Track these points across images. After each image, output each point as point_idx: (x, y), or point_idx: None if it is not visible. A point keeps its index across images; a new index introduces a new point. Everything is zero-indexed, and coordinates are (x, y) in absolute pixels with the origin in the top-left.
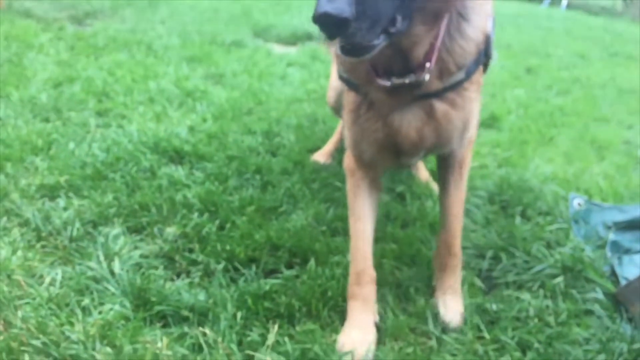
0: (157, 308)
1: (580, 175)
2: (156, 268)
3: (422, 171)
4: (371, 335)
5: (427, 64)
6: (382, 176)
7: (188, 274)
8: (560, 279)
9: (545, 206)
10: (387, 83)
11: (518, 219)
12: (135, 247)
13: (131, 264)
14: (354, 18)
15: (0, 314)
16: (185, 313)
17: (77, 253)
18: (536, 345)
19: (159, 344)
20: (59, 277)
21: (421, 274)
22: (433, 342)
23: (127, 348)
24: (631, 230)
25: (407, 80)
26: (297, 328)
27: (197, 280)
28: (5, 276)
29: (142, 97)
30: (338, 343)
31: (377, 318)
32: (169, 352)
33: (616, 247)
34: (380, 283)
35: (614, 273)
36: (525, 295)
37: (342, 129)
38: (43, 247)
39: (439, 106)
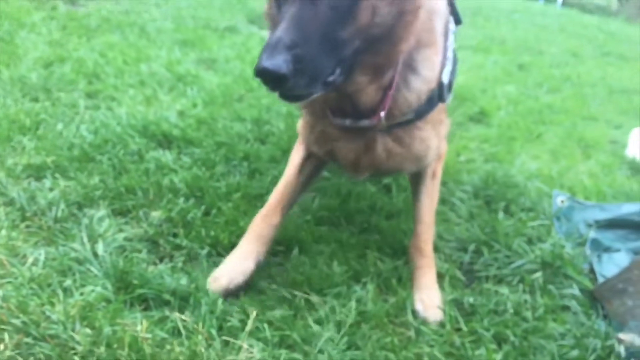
0: (139, 291)
1: (566, 172)
2: (140, 251)
3: None
4: (248, 265)
5: (382, 113)
6: None
7: (171, 258)
8: (539, 275)
9: (529, 202)
10: (345, 123)
11: (501, 214)
12: (120, 230)
13: (115, 247)
14: (291, 75)
15: None
16: (166, 297)
17: (61, 234)
18: (512, 338)
19: (139, 327)
20: (42, 258)
21: (404, 265)
22: (411, 333)
23: (106, 330)
24: (612, 229)
25: (360, 124)
26: (277, 315)
27: (180, 264)
28: None
29: (132, 79)
30: (215, 271)
31: (261, 259)
32: (148, 335)
33: (596, 245)
34: (363, 273)
35: (593, 270)
36: (504, 290)
37: None
38: (27, 227)
39: (380, 142)
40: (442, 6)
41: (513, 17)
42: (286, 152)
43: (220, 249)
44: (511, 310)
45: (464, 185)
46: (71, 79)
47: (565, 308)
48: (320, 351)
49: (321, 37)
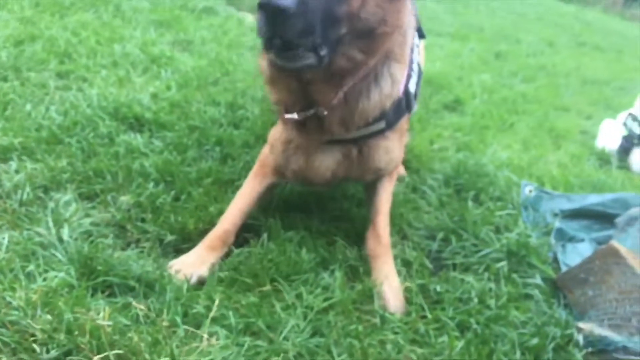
0: (103, 277)
1: (535, 162)
2: (106, 237)
3: None
4: (204, 269)
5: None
6: None
7: (138, 243)
8: (504, 263)
9: (498, 191)
10: (294, 116)
11: (470, 203)
12: (87, 215)
13: (81, 232)
14: (294, 11)
15: None
16: (131, 283)
17: (26, 218)
18: (475, 326)
19: (101, 314)
20: (5, 242)
21: None
22: (377, 320)
23: (68, 316)
24: (577, 219)
25: (308, 113)
26: (243, 301)
27: (146, 251)
28: None
29: (105, 60)
30: (172, 262)
31: (214, 268)
32: (109, 323)
33: (561, 234)
34: (331, 261)
35: (557, 260)
36: (470, 278)
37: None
38: None
39: (354, 151)
40: (412, 21)
41: (492, 5)
42: (260, 138)
43: (188, 235)
44: (475, 299)
45: (435, 173)
46: (42, 58)
47: (528, 296)
48: (285, 338)
49: (322, 4)
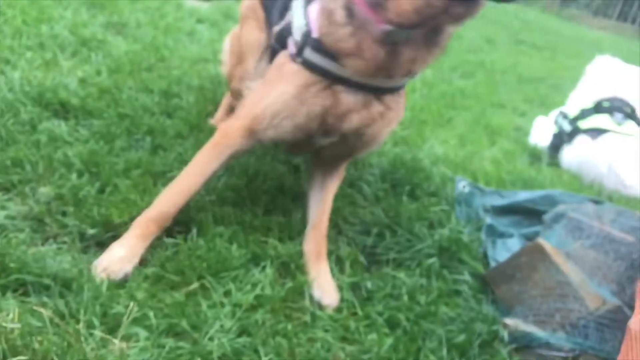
0: (16, 275)
1: (471, 158)
2: (22, 231)
3: None
4: (133, 261)
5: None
6: None
7: (57, 238)
8: (435, 260)
9: (434, 187)
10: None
11: (405, 198)
12: (2, 207)
13: None
14: None
15: None
16: (47, 282)
17: None
18: (404, 323)
19: (10, 315)
20: None
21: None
22: (307, 318)
23: None
24: (507, 215)
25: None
26: (167, 300)
27: (65, 246)
28: None
29: (31, 41)
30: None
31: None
32: (18, 325)
33: (492, 230)
34: (262, 257)
35: (487, 255)
36: (402, 274)
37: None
38: None
39: (378, 108)
40: None
41: None
42: (194, 128)
43: (112, 229)
44: (406, 295)
45: (372, 168)
46: None
47: (458, 292)
48: (210, 338)
49: None
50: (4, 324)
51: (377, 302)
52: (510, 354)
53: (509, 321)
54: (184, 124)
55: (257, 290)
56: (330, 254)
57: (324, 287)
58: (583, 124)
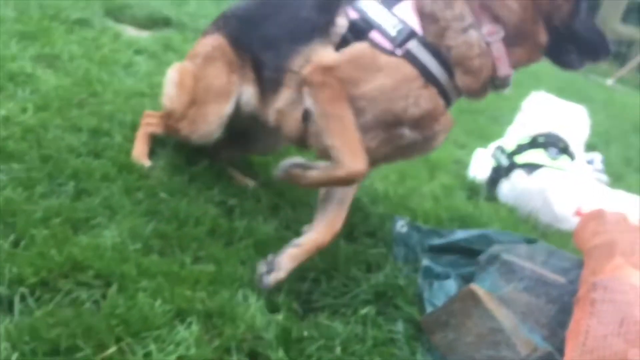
0: None
1: (410, 195)
2: None
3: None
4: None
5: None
6: None
7: None
8: (371, 307)
9: (372, 227)
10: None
11: (343, 241)
12: None
13: None
14: None
15: None
16: None
17: None
18: None
19: None
20: None
21: (235, 300)
22: None
23: None
24: (445, 254)
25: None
26: None
27: None
28: None
29: None
30: None
31: None
32: None
33: (428, 272)
34: (189, 311)
35: (424, 299)
36: (337, 322)
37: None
38: None
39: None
40: None
41: None
42: (122, 169)
43: (25, 287)
44: (339, 347)
45: (309, 207)
46: None
47: (393, 341)
48: None
49: None
50: None
51: (310, 354)
52: None
53: None
54: (113, 164)
55: (181, 350)
56: (264, 302)
57: None
58: (519, 159)
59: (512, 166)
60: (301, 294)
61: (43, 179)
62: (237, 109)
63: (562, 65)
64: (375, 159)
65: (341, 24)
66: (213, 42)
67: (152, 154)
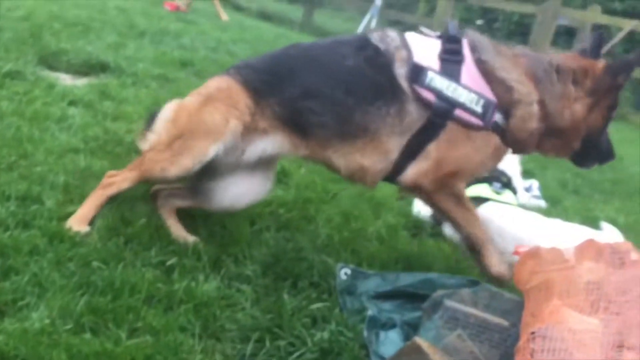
0: None
1: (355, 237)
2: None
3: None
4: None
5: None
6: None
7: None
8: None
9: (317, 276)
10: None
11: (287, 295)
12: None
13: None
14: None
15: None
16: None
17: None
18: None
19: None
20: None
21: None
22: None
23: None
24: (391, 300)
25: None
26: None
27: None
28: None
29: None
30: None
31: None
32: None
33: (374, 322)
34: None
35: (370, 352)
36: None
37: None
38: None
39: None
40: None
41: None
42: (54, 238)
43: None
44: None
45: (253, 262)
46: None
47: None
48: None
49: None
50: None
51: None
52: None
53: None
54: (43, 234)
55: None
56: None
57: None
58: None
59: None
60: (245, 357)
61: None
62: (226, 155)
63: (578, 165)
64: None
65: (412, 104)
66: (220, 83)
67: None
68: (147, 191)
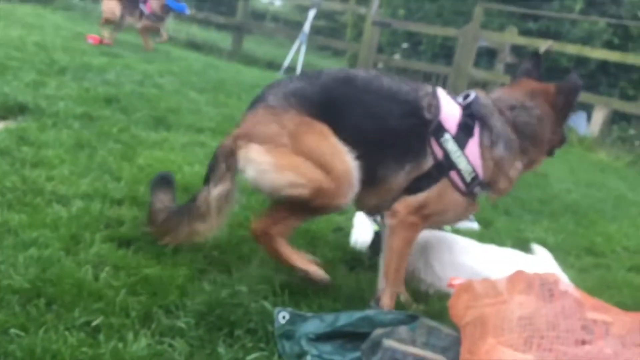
0: None
1: (293, 276)
2: None
3: None
4: None
5: None
6: None
7: None
8: None
9: (253, 323)
10: None
11: (222, 347)
12: None
13: None
14: None
15: None
16: None
17: None
18: None
19: None
20: None
21: None
22: None
23: None
24: (331, 341)
25: None
26: None
27: None
28: None
29: None
30: None
31: None
32: None
33: None
34: None
35: None
36: None
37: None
38: None
39: None
40: None
41: (255, 92)
42: None
43: None
44: None
45: (187, 313)
46: None
47: None
48: None
49: None
50: None
51: None
52: None
53: None
54: None
55: None
56: None
57: None
58: None
59: None
60: None
61: None
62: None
63: None
64: None
65: (429, 160)
66: (295, 117)
67: None
68: (70, 245)
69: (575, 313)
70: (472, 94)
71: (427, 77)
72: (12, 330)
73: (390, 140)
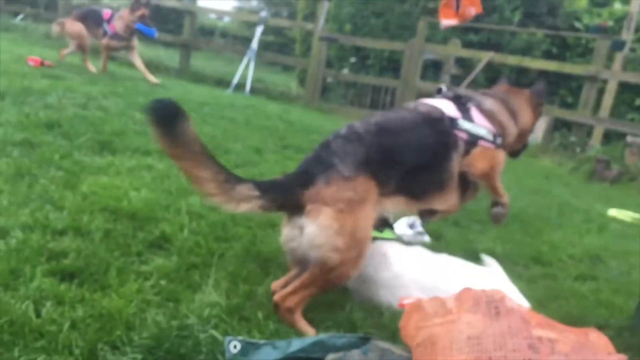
0: None
1: (245, 302)
2: None
3: None
4: None
5: None
6: None
7: None
8: None
9: (204, 354)
10: None
11: None
12: None
13: None
14: None
15: None
16: None
17: None
18: None
19: None
20: None
21: None
22: None
23: None
24: None
25: None
26: None
27: None
28: None
29: None
30: None
31: None
32: None
33: None
34: None
35: None
36: None
37: None
38: None
39: None
40: None
41: (203, 111)
42: None
43: None
44: None
45: (132, 345)
46: None
47: None
48: None
49: None
50: None
51: None
52: None
53: None
54: None
55: None
56: None
57: None
58: None
59: None
60: None
61: None
62: None
63: (515, 157)
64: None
65: (462, 145)
66: (360, 185)
67: None
68: (9, 279)
69: (521, 331)
70: (443, 87)
71: (376, 90)
72: None
73: (434, 152)
